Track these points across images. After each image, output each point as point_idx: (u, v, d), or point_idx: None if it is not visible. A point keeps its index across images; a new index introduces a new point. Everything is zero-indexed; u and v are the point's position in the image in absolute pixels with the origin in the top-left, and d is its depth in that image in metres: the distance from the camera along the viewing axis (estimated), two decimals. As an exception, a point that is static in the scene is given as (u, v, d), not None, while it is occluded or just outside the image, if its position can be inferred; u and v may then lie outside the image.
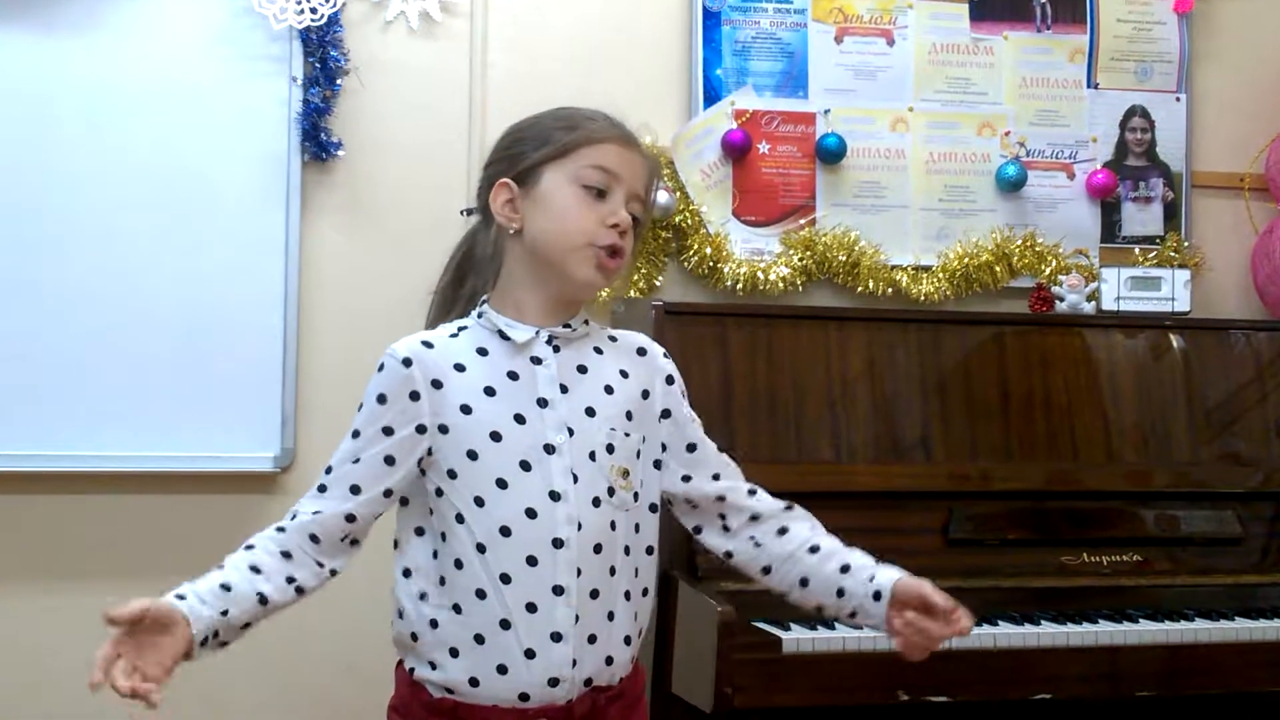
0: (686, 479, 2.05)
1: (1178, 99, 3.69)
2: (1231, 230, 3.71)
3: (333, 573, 1.94)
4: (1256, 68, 3.74)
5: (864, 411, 3.04)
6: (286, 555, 1.90)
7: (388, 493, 1.94)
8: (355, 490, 1.92)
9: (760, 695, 2.56)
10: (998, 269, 3.53)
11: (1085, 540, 2.98)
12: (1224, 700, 2.98)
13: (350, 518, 1.92)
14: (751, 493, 2.08)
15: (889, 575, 1.98)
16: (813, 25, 3.51)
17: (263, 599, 1.88)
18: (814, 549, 2.04)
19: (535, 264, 1.97)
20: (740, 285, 3.40)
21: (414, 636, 1.94)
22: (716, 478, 2.06)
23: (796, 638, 2.60)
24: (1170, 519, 3.05)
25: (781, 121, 3.49)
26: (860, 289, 3.46)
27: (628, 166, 1.97)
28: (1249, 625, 2.82)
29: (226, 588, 1.86)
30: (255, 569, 1.88)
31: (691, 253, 3.41)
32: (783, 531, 2.06)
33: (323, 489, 1.93)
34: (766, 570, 2.05)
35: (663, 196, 3.33)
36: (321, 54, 3.24)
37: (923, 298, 3.48)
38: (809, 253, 3.45)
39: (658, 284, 3.41)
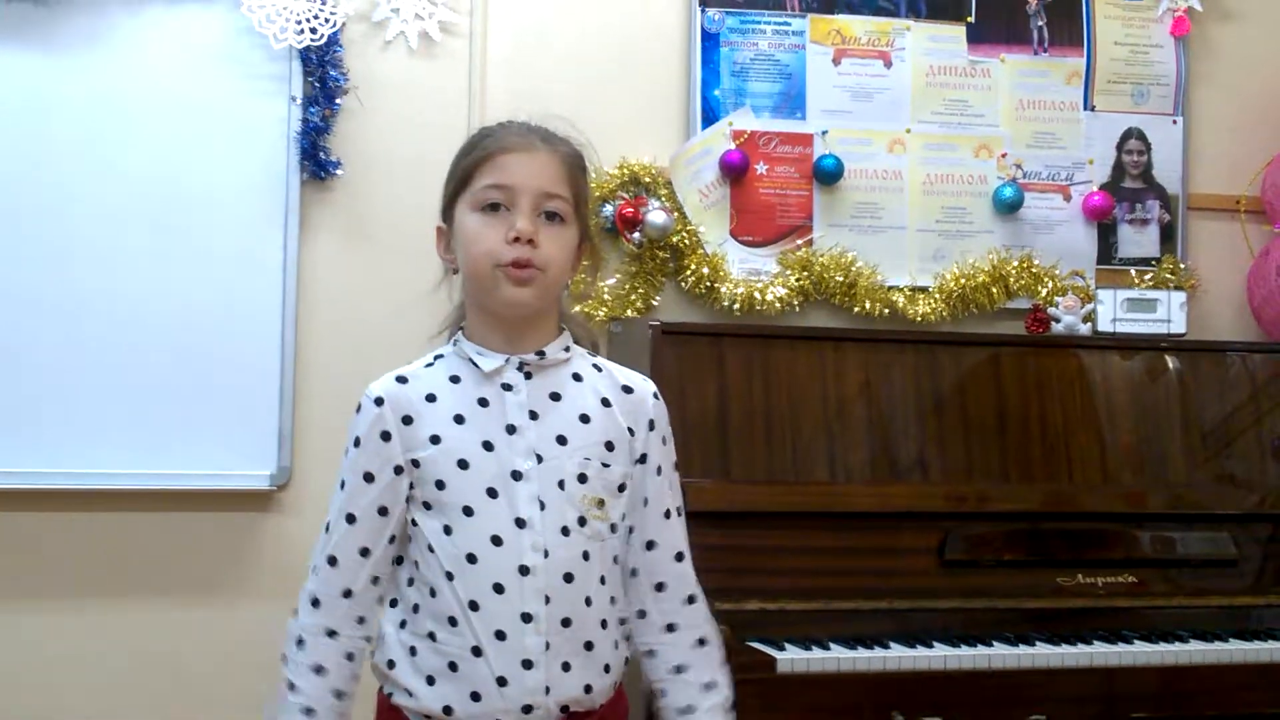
0: (631, 530, 2.03)
1: (1174, 121, 3.70)
2: (1227, 252, 3.72)
3: (367, 639, 1.98)
4: (1253, 90, 3.75)
5: (860, 432, 3.04)
6: (350, 657, 1.96)
7: (392, 539, 1.96)
8: (365, 553, 1.94)
9: (755, 715, 2.54)
10: (994, 290, 3.53)
11: (1081, 561, 2.98)
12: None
13: (375, 580, 1.96)
14: (659, 588, 2.04)
15: None
16: (811, 47, 3.52)
17: (339, 694, 1.94)
18: (679, 669, 2.03)
19: (473, 296, 1.99)
20: (737, 305, 3.41)
21: (390, 664, 1.95)
22: (650, 546, 2.04)
23: (791, 658, 2.60)
24: (1166, 540, 3.05)
25: (779, 142, 3.50)
26: (857, 310, 3.47)
27: (526, 170, 1.94)
28: (1244, 647, 2.81)
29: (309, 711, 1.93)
30: (339, 694, 1.94)
31: (689, 272, 3.42)
32: (651, 654, 2.04)
33: (333, 561, 1.94)
34: (607, 666, 2.00)
35: (660, 217, 3.34)
36: (321, 73, 3.25)
37: (919, 319, 3.49)
38: (806, 273, 3.45)
39: (655, 304, 3.42)
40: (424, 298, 3.28)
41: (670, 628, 2.04)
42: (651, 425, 2.03)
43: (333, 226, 3.32)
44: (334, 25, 3.23)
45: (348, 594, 1.93)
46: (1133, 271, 3.63)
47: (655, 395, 2.05)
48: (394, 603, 1.98)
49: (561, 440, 1.94)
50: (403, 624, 1.95)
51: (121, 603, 3.24)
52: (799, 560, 2.84)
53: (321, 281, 3.30)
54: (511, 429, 1.93)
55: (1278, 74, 3.74)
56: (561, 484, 1.93)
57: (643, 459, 2.01)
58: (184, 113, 3.23)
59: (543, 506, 1.92)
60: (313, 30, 3.21)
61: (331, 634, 1.93)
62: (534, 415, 1.95)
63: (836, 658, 2.62)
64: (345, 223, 3.33)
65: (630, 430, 2.00)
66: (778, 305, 3.42)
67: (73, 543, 3.21)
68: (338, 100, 3.28)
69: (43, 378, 3.15)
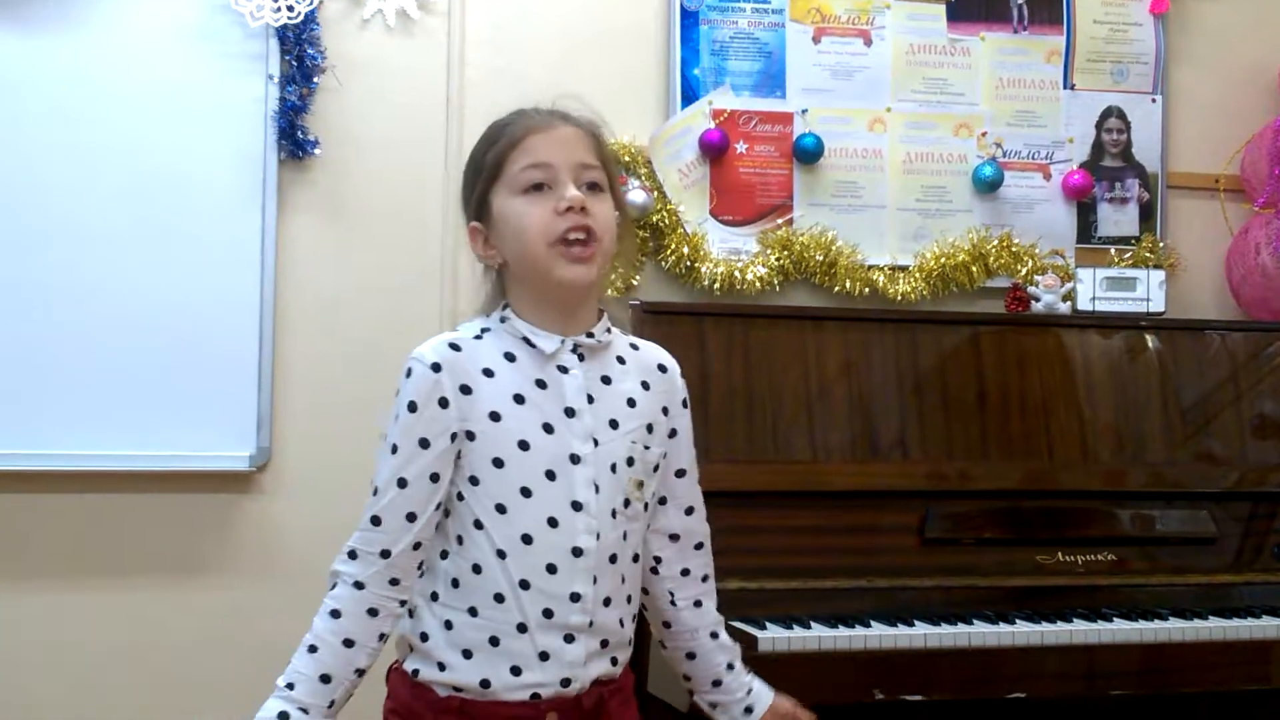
0: (662, 501, 2.06)
1: (1154, 100, 3.70)
2: (1207, 231, 3.73)
3: (403, 603, 1.94)
4: (1232, 69, 3.76)
5: (841, 411, 3.04)
6: (373, 613, 1.90)
7: (438, 506, 1.93)
8: (412, 518, 1.90)
9: (736, 694, 2.56)
10: (974, 269, 3.53)
11: (1061, 540, 2.99)
12: (1199, 699, 2.99)
13: (417, 545, 1.91)
14: (699, 547, 2.10)
15: (765, 695, 2.12)
16: (790, 25, 3.51)
17: (360, 673, 1.89)
18: (714, 635, 2.11)
19: (527, 285, 1.95)
20: (717, 285, 3.40)
21: (424, 637, 1.93)
22: (690, 511, 2.09)
23: (772, 637, 2.60)
24: (1145, 519, 3.06)
25: (759, 121, 3.49)
26: (837, 289, 3.46)
27: (557, 146, 1.93)
28: (1223, 625, 2.82)
29: (326, 679, 1.86)
30: (349, 643, 1.88)
31: (669, 252, 3.41)
32: (698, 604, 2.10)
33: (376, 521, 1.90)
34: (667, 625, 2.10)
35: (640, 196, 3.34)
36: (298, 52, 3.23)
37: (899, 298, 3.49)
38: (786, 252, 3.45)
39: (635, 283, 3.41)
40: (403, 277, 3.30)
41: (705, 579, 2.12)
42: (685, 403, 2.08)
43: (311, 206, 3.30)
44: (311, 3, 3.20)
45: (385, 554, 1.89)
46: (1112, 250, 3.64)
47: (680, 372, 2.09)
48: (419, 573, 1.96)
49: (614, 424, 1.95)
50: (434, 596, 1.94)
51: (101, 584, 3.22)
52: (780, 539, 2.84)
53: (300, 261, 3.29)
54: (570, 412, 1.93)
55: (1257, 52, 3.74)
56: (614, 467, 1.94)
57: (673, 433, 2.05)
58: (160, 92, 3.21)
59: (597, 490, 1.92)
60: (289, 8, 3.19)
61: (359, 585, 1.89)
62: (590, 399, 1.95)
63: (818, 636, 2.62)
64: (323, 202, 3.31)
65: (665, 409, 2.03)
66: (758, 285, 3.42)
67: (51, 524, 3.20)
68: (315, 79, 3.26)
69: (17, 359, 3.13)
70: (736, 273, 3.41)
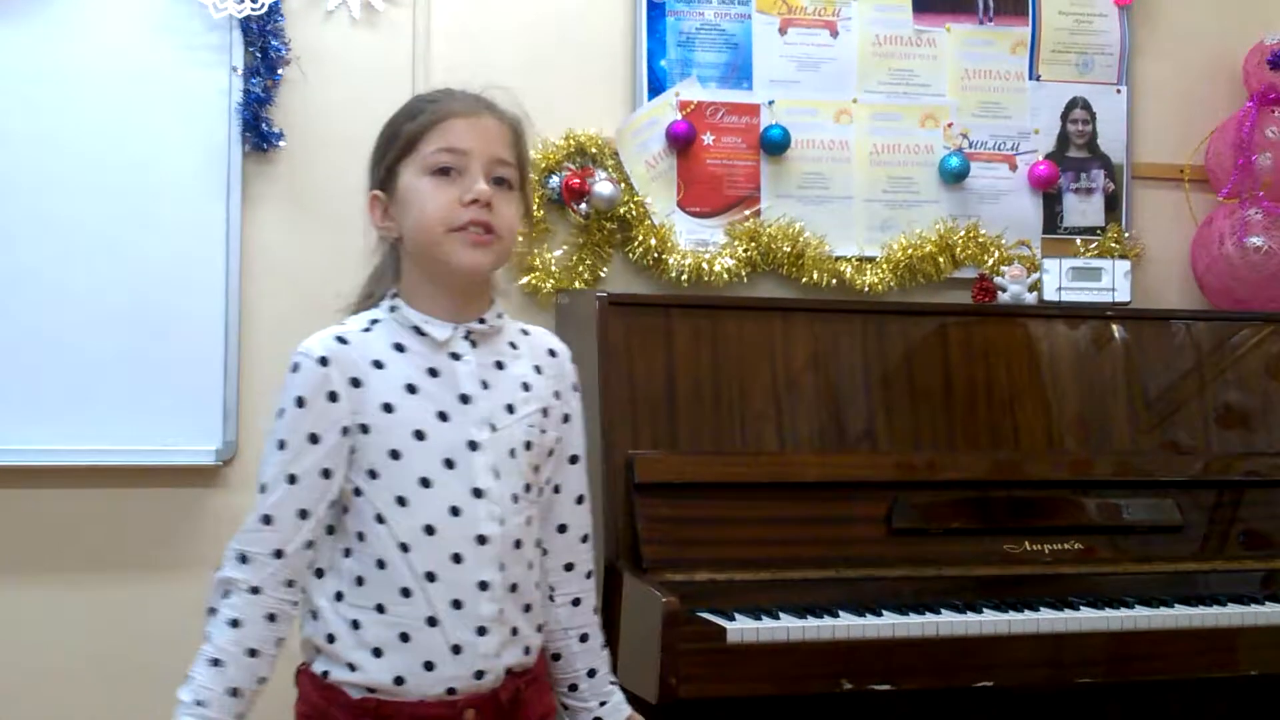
0: (556, 489, 2.05)
1: (1118, 91, 3.72)
2: (1172, 221, 3.75)
3: (294, 604, 1.92)
4: (1196, 60, 3.78)
5: (809, 402, 3.05)
6: (272, 618, 1.88)
7: (332, 504, 1.91)
8: (304, 514, 1.89)
9: (705, 685, 2.56)
10: (941, 260, 3.54)
11: (1028, 529, 3.00)
12: (1164, 686, 3.00)
13: (309, 544, 1.90)
14: (584, 540, 2.09)
15: (620, 710, 2.09)
16: (757, 16, 3.51)
17: (263, 681, 1.89)
18: (584, 637, 2.08)
19: (421, 264, 1.95)
20: (685, 276, 3.40)
21: (330, 638, 1.91)
22: (580, 500, 2.08)
23: (741, 628, 2.60)
24: (1111, 508, 3.07)
25: (726, 113, 3.49)
26: (805, 280, 3.47)
27: (477, 136, 1.92)
28: (1188, 612, 2.84)
29: (235, 693, 1.86)
30: (253, 652, 1.86)
31: (636, 244, 3.40)
32: (576, 602, 2.08)
33: (268, 520, 1.88)
34: (540, 626, 2.04)
35: (607, 188, 3.33)
36: (262, 43, 3.21)
37: (867, 288, 3.49)
38: (754, 244, 3.45)
39: (602, 275, 3.41)
40: (368, 270, 3.28)
41: (589, 575, 2.10)
42: (575, 387, 2.07)
43: (275, 198, 3.28)
44: (275, -6, 3.19)
45: (279, 554, 1.88)
46: (1078, 240, 3.65)
47: (570, 357, 2.09)
48: (320, 573, 1.93)
49: (510, 409, 1.95)
50: (339, 596, 1.91)
51: (66, 580, 3.20)
52: (748, 531, 2.84)
53: (264, 254, 3.27)
54: (465, 399, 1.92)
55: (1221, 43, 3.76)
56: (512, 452, 1.94)
57: (566, 418, 2.05)
58: (122, 84, 3.18)
59: (497, 475, 1.92)
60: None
61: (255, 590, 1.87)
62: (484, 384, 1.94)
63: (786, 627, 2.62)
64: (288, 195, 3.29)
65: (557, 394, 2.03)
66: (725, 276, 3.42)
67: (14, 520, 3.17)
68: (279, 71, 3.24)
69: (-19, 354, 3.11)
70: (704, 264, 3.41)
